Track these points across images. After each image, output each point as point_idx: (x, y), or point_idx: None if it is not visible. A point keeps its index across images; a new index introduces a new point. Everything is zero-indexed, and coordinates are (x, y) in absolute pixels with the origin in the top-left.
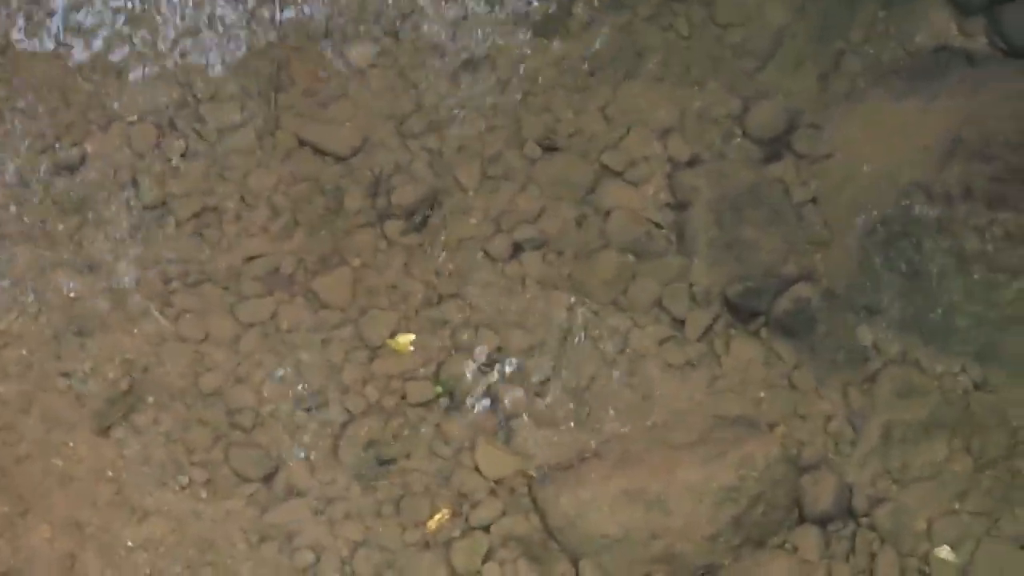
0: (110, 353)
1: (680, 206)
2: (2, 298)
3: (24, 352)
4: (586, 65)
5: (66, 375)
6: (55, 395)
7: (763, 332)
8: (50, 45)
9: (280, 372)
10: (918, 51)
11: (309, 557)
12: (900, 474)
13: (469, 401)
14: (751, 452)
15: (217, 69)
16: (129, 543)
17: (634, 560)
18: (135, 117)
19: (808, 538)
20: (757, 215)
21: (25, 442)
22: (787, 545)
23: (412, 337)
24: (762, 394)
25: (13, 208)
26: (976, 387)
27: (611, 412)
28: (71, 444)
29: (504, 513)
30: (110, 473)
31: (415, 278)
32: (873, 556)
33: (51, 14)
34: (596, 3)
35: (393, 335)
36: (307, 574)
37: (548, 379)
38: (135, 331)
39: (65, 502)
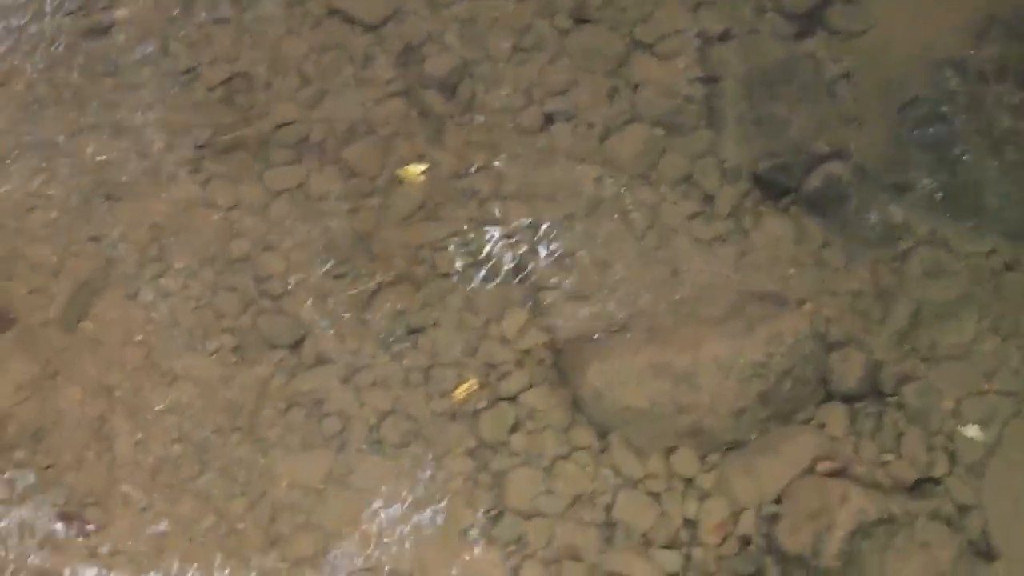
0: (139, 218)
1: (711, 80)
2: (32, 161)
3: (54, 215)
4: None
5: (95, 239)
6: (84, 259)
7: (793, 209)
8: None
9: (309, 240)
10: None
11: (336, 424)
12: (928, 353)
13: (498, 272)
14: (779, 328)
15: None
16: (158, 407)
17: (660, 433)
18: None
19: (835, 415)
20: (788, 91)
21: (55, 305)
22: (814, 422)
23: (424, 167)
24: (791, 271)
25: (44, 72)
26: (1007, 268)
27: (639, 286)
28: (101, 307)
29: (531, 384)
30: (139, 337)
31: (445, 148)
32: (900, 434)
33: None
34: None
35: (404, 166)
36: (334, 441)
37: (577, 252)
38: (165, 196)
39: (95, 365)
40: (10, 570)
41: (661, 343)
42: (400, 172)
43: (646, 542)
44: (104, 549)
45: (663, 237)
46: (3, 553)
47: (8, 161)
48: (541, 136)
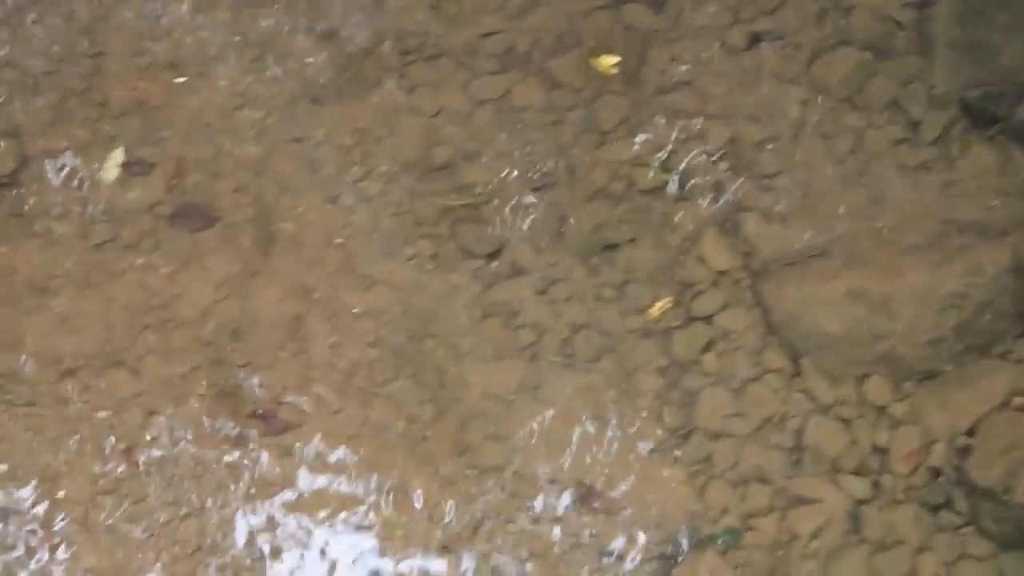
0: (344, 121)
1: (923, 5)
2: (241, 60)
3: (260, 115)
4: None
5: (299, 140)
6: (288, 159)
7: (1000, 139)
8: None
9: (510, 150)
10: None
11: (530, 336)
12: None
13: (698, 191)
14: (980, 259)
15: None
16: (355, 310)
17: (854, 360)
18: None
19: None
20: (1002, 18)
21: (257, 204)
22: (1011, 356)
23: (617, 59)
24: (995, 202)
25: None
26: None
27: (840, 211)
28: (301, 209)
29: (726, 305)
30: (338, 240)
31: (650, 65)
32: None
33: None
34: None
35: (597, 55)
36: (528, 352)
37: (779, 174)
38: (369, 101)
39: (294, 266)
40: (202, 467)
41: (860, 269)
42: (594, 60)
43: (834, 468)
44: (295, 449)
45: (866, 163)
46: (196, 450)
47: (218, 60)
48: (747, 56)
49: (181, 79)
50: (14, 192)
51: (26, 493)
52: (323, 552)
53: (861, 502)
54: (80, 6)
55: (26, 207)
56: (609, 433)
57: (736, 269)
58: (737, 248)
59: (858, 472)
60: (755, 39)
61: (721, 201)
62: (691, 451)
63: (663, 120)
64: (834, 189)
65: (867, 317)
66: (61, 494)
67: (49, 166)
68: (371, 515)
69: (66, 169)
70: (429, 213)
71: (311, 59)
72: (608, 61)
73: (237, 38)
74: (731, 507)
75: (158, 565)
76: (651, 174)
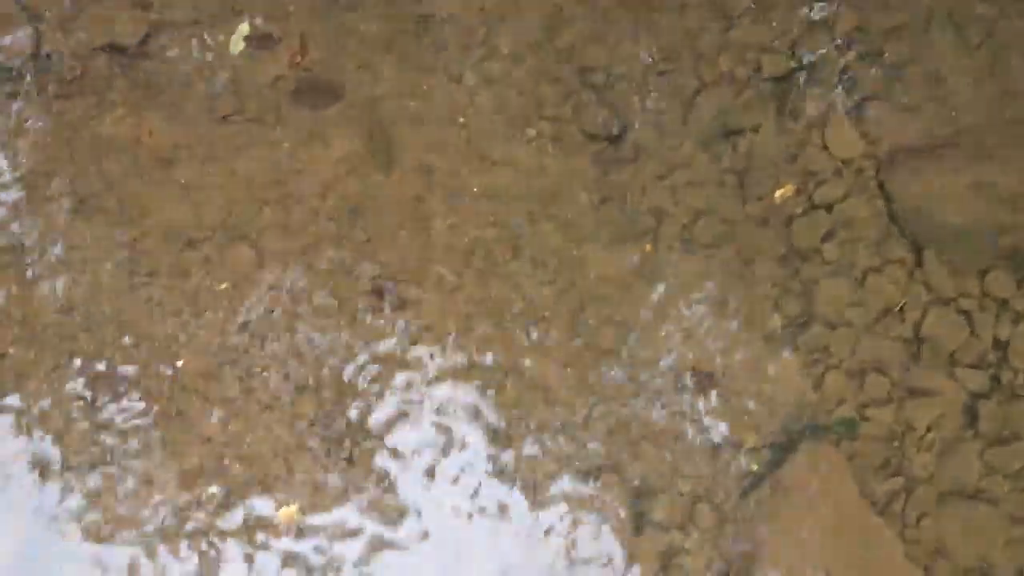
0: (469, 0)
1: None
2: None
3: None
4: None
5: (426, 18)
6: (413, 37)
7: None
8: None
9: (635, 34)
10: None
11: (650, 221)
12: None
13: (824, 79)
14: None
15: None
16: (475, 189)
17: (978, 252)
18: None
19: None
20: None
21: (382, 81)
22: None
23: None
24: None
25: None
26: None
27: (969, 102)
28: (426, 87)
29: (848, 194)
30: (461, 119)
31: None
32: None
33: None
34: None
35: None
36: (646, 237)
37: (907, 63)
38: None
39: (416, 144)
40: (320, 341)
41: (987, 162)
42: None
43: (953, 361)
44: (413, 325)
45: (997, 54)
46: (314, 324)
47: None
48: None
49: None
50: (141, 63)
51: (147, 362)
52: (435, 426)
53: (978, 396)
54: None
55: (152, 78)
56: (726, 320)
57: (860, 158)
58: (862, 137)
59: (976, 366)
60: None
61: (848, 88)
62: (809, 340)
63: (791, 5)
64: (963, 80)
65: (993, 210)
66: (180, 364)
67: (175, 37)
68: (486, 393)
69: (192, 41)
70: (552, 95)
71: None
72: None
73: None
74: (847, 397)
75: (274, 437)
76: (777, 60)
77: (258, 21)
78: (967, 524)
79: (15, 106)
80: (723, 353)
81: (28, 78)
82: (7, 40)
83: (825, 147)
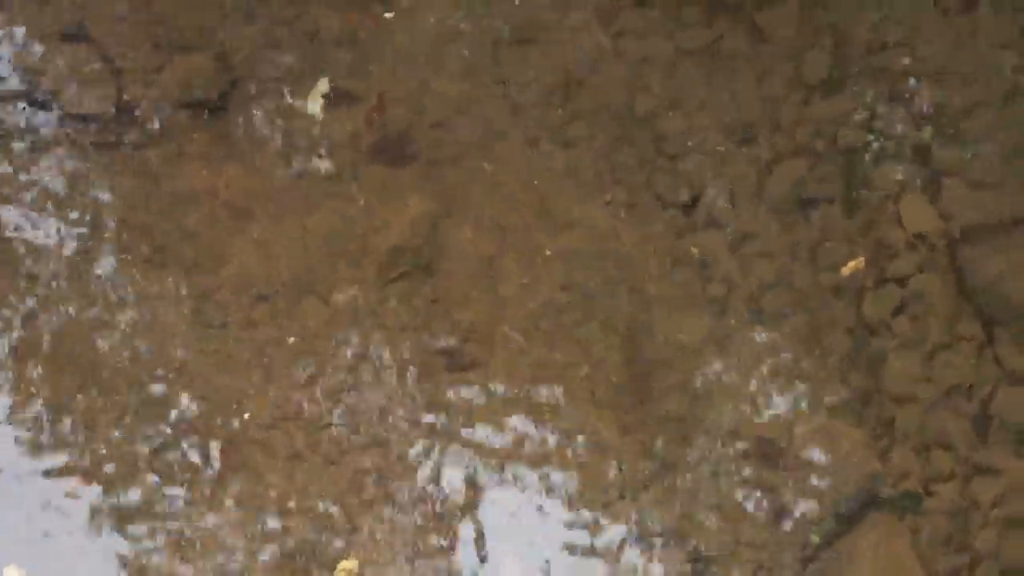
0: (549, 64)
1: None
2: (453, 1)
3: (466, 52)
4: None
5: (503, 81)
6: (491, 99)
7: None
8: None
9: (713, 102)
10: None
11: (720, 289)
12: None
13: (900, 152)
14: None
15: None
16: (547, 252)
17: None
18: None
19: None
20: None
21: (458, 143)
22: None
23: None
24: None
25: None
26: None
27: None
28: (502, 150)
29: (921, 269)
30: (536, 182)
31: (860, 23)
32: None
33: None
34: None
35: None
36: (716, 304)
37: (984, 140)
38: (576, 44)
39: (490, 205)
40: (386, 397)
41: None
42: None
43: (1020, 439)
44: (480, 384)
45: None
46: (381, 380)
47: None
48: (963, 16)
49: (390, 14)
50: (220, 117)
51: (213, 413)
52: (499, 487)
53: None
54: None
55: (231, 132)
56: (793, 390)
57: (933, 233)
58: (937, 212)
59: None
60: (972, 2)
61: (924, 163)
62: (875, 413)
63: (869, 78)
64: None
65: None
66: (246, 415)
67: (255, 93)
68: (549, 456)
69: (272, 96)
70: (627, 160)
71: (519, 0)
72: None
73: None
74: (912, 471)
75: (337, 491)
76: (854, 133)
77: (338, 79)
78: None
79: (96, 156)
80: (789, 423)
81: (110, 129)
82: (90, 92)
83: (899, 221)
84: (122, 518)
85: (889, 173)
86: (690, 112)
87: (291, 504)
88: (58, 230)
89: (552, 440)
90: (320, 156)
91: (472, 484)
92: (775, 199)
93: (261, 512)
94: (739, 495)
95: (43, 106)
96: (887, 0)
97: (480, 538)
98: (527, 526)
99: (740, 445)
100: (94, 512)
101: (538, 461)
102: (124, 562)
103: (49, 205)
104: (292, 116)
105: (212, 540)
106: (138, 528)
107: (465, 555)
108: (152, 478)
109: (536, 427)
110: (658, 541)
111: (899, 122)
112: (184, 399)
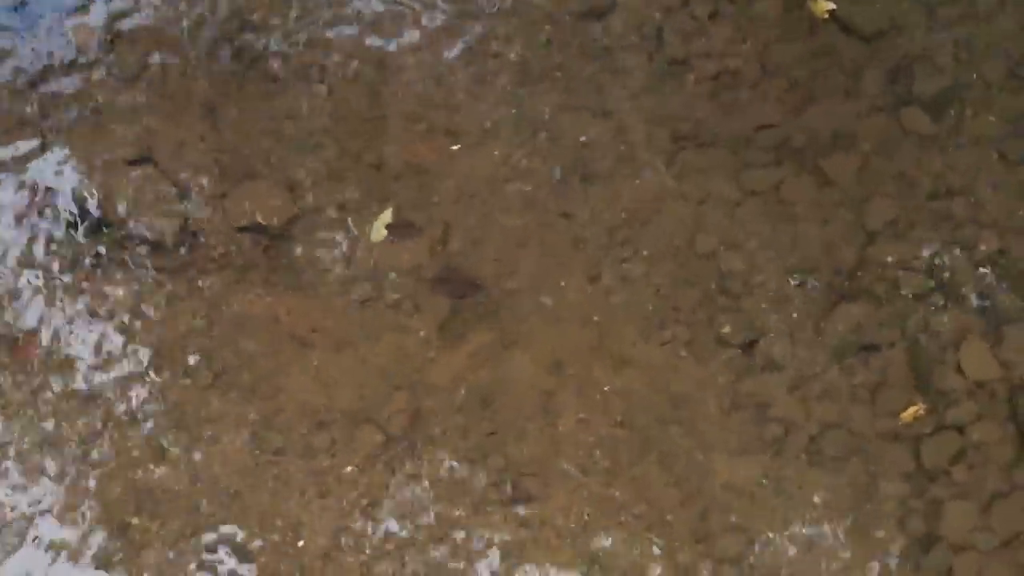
0: (611, 201)
1: None
2: (515, 134)
3: (529, 188)
4: None
5: (566, 216)
6: (553, 234)
7: None
8: None
9: (775, 243)
10: None
11: (777, 431)
12: None
13: (962, 300)
14: None
15: None
16: (605, 388)
17: None
18: None
19: None
20: None
21: (519, 276)
22: None
23: (832, 6)
24: None
25: (539, 49)
26: None
27: None
28: (562, 284)
29: (980, 417)
30: (596, 318)
31: (923, 170)
32: None
33: None
34: None
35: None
36: (772, 447)
37: None
38: (638, 183)
39: (549, 340)
40: (442, 529)
41: None
42: (812, 4)
43: None
44: (535, 519)
45: None
46: (437, 512)
47: (493, 131)
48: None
49: (456, 146)
50: (283, 244)
51: (268, 540)
52: None
53: None
54: (367, 69)
55: (294, 259)
56: (850, 536)
57: (995, 381)
58: (998, 360)
59: None
60: None
61: (984, 312)
62: (932, 562)
63: (932, 224)
64: None
65: None
66: (301, 544)
67: (320, 221)
68: None
69: (335, 225)
70: (688, 299)
71: (583, 137)
72: (823, 6)
73: (513, 111)
74: None
75: None
76: (916, 278)
77: (402, 209)
78: None
79: (160, 279)
80: (845, 569)
81: (173, 253)
82: (156, 215)
83: (959, 368)
84: None
85: (950, 320)
86: (752, 252)
87: None
88: (119, 350)
89: None
90: (382, 286)
91: None
92: (835, 342)
93: None
94: None
95: (107, 227)
96: (950, 149)
97: None
98: None
99: None
100: None
101: None
102: None
103: (110, 328)
104: (355, 245)
105: None
106: None
107: None
108: None
109: (591, 564)
110: None
111: (961, 268)
112: (239, 524)
